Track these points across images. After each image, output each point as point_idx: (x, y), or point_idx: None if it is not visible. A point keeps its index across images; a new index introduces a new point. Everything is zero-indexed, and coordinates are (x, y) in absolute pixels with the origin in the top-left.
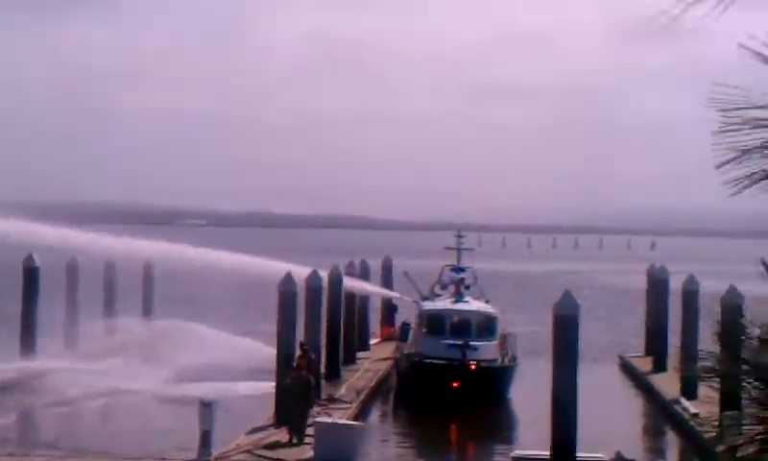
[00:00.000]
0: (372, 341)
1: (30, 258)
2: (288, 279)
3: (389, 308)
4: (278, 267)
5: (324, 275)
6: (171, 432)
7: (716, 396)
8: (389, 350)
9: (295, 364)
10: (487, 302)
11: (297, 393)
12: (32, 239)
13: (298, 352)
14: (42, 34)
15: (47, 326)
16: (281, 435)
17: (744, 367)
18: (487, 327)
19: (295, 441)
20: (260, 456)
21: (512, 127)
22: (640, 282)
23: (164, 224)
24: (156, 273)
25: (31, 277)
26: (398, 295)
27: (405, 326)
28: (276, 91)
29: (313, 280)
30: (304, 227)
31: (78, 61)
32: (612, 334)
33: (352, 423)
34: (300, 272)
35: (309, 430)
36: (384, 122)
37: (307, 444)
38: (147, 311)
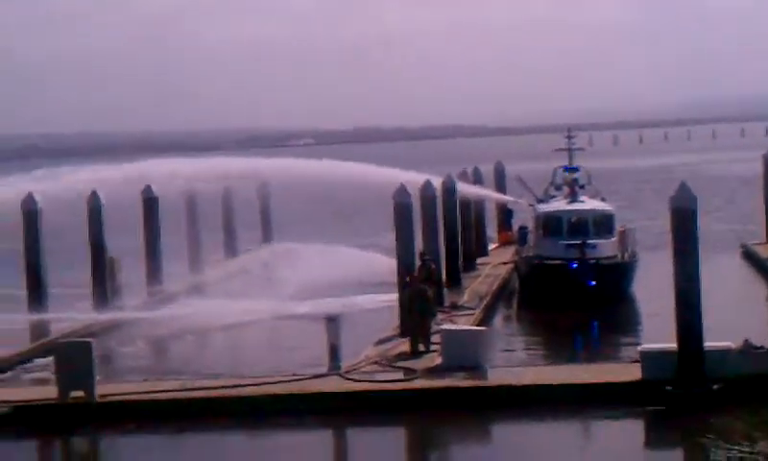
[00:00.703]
0: (491, 246)
1: (148, 189)
2: (402, 190)
3: (505, 213)
4: (393, 174)
5: (437, 184)
6: (300, 349)
7: None
8: (508, 254)
9: (415, 274)
10: (602, 200)
11: (414, 305)
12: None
13: (418, 263)
14: None
15: (170, 254)
16: (408, 345)
17: None
18: (604, 224)
19: (418, 350)
20: (389, 366)
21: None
22: (757, 170)
23: (274, 146)
24: (272, 193)
25: (150, 207)
26: (513, 199)
27: (523, 229)
28: (370, 9)
29: (427, 190)
30: (414, 139)
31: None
32: (731, 223)
33: (477, 328)
34: (414, 180)
35: (435, 338)
36: (484, 30)
37: (434, 351)
38: (266, 233)
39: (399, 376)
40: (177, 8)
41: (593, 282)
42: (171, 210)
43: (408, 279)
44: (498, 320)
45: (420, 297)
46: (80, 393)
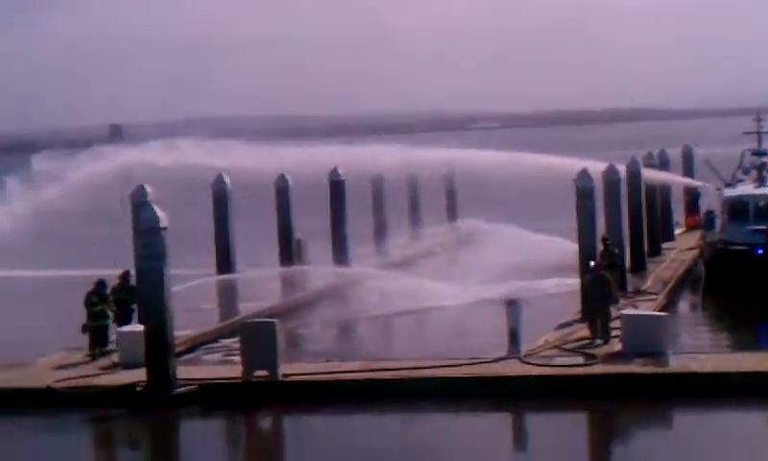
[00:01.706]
0: (677, 231)
1: (335, 172)
2: (583, 174)
3: (693, 197)
4: (574, 165)
5: (621, 168)
6: (481, 332)
7: None
8: (694, 239)
9: (598, 258)
10: None
11: (594, 292)
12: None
13: (600, 247)
14: None
15: (357, 237)
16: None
17: None
18: None
19: (598, 337)
20: (569, 351)
21: None
22: None
23: (459, 129)
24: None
25: (337, 190)
26: (700, 182)
27: (710, 214)
28: None
29: (610, 174)
30: (599, 122)
31: None
32: None
33: (659, 313)
34: (597, 168)
35: (616, 323)
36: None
37: (615, 337)
38: (451, 217)
39: (579, 360)
40: None
41: None
42: (356, 193)
43: (591, 264)
44: (682, 306)
45: (601, 283)
46: (263, 372)
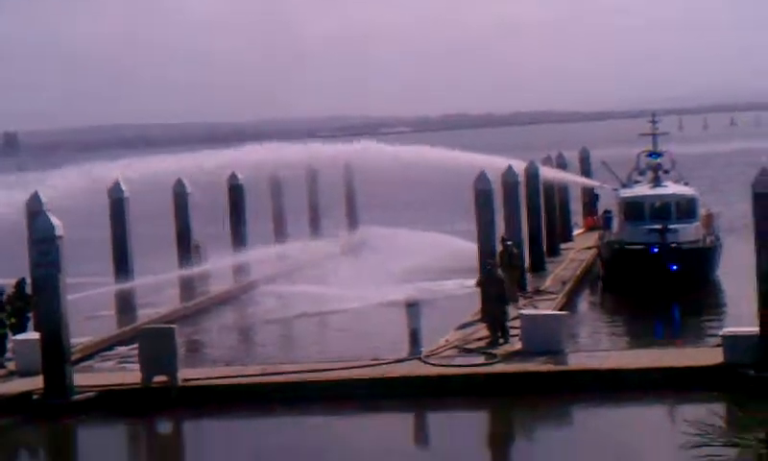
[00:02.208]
0: (576, 231)
1: (234, 176)
2: (482, 176)
3: (590, 198)
4: (476, 159)
5: (520, 169)
6: (381, 334)
7: None
8: (593, 239)
9: (497, 259)
10: (686, 184)
11: (490, 292)
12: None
13: (499, 248)
14: None
15: (257, 240)
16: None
17: None
18: (687, 209)
19: (496, 338)
20: (470, 350)
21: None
22: None
23: (367, 134)
24: (356, 178)
25: (236, 193)
26: (598, 183)
27: (607, 213)
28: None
29: (509, 175)
30: (500, 125)
31: None
32: None
33: (557, 312)
34: (496, 163)
35: (516, 323)
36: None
37: (514, 336)
38: (352, 218)
39: (480, 360)
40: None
41: (675, 267)
42: (254, 196)
43: (488, 264)
44: (581, 305)
45: (496, 282)
46: (163, 377)
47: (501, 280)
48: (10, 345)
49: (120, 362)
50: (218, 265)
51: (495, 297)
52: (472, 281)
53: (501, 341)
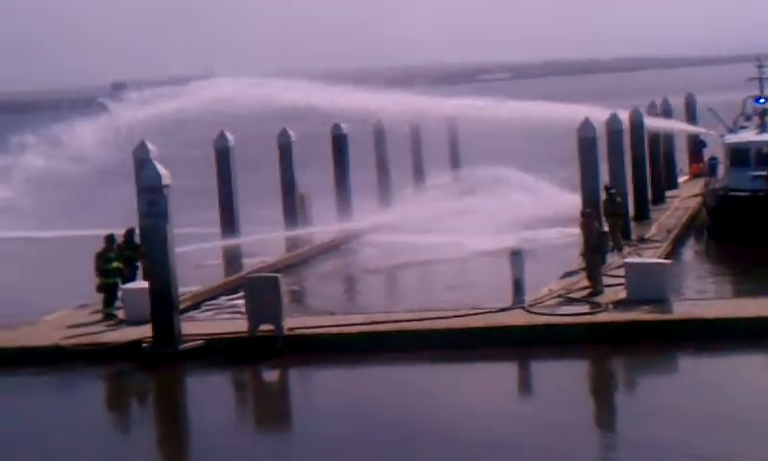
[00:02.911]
0: (681, 179)
1: (337, 126)
2: (586, 123)
3: (696, 145)
4: (580, 111)
5: (624, 117)
6: (485, 283)
7: None
8: (698, 186)
9: (601, 207)
10: None
11: (589, 242)
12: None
13: (603, 196)
14: None
15: (360, 189)
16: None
17: None
18: None
19: (595, 285)
20: (574, 299)
21: None
22: None
23: (467, 82)
24: (460, 130)
25: (340, 143)
26: (703, 130)
27: (713, 161)
28: None
29: (613, 123)
30: (606, 71)
31: None
32: None
33: (662, 261)
34: (600, 115)
35: (621, 271)
36: None
37: (620, 285)
38: (455, 168)
39: (584, 309)
40: None
41: None
42: (360, 146)
43: (582, 213)
44: (686, 253)
45: (591, 232)
46: (268, 326)
47: (595, 231)
48: (120, 294)
49: (231, 311)
50: (323, 214)
51: (591, 245)
52: (575, 230)
53: (597, 284)
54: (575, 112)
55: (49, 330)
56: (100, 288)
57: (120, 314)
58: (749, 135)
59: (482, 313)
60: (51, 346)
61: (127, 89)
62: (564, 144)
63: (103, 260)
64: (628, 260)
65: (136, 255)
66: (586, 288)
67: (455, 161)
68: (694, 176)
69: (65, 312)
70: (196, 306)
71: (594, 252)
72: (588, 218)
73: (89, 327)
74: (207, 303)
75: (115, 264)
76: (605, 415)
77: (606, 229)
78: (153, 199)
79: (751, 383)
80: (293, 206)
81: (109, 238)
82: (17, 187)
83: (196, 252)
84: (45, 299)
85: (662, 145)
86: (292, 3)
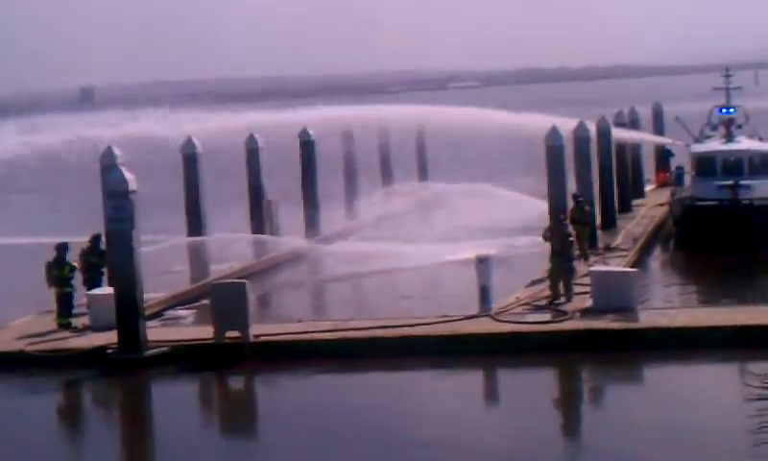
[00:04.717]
0: (648, 188)
1: (305, 133)
2: (554, 132)
3: (663, 154)
4: (544, 121)
5: (591, 126)
6: (452, 291)
7: None
8: (665, 195)
9: (568, 215)
10: (760, 140)
11: (554, 249)
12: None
13: (570, 205)
14: None
15: (328, 197)
16: (561, 288)
17: None
18: (761, 164)
19: (557, 294)
20: (540, 308)
21: None
22: None
23: (436, 89)
24: (427, 138)
25: (308, 150)
26: (669, 140)
27: (679, 170)
28: None
29: (580, 131)
30: (572, 80)
31: None
32: None
33: (628, 269)
34: (567, 124)
35: (586, 280)
36: None
37: (586, 293)
38: (422, 176)
39: (550, 317)
40: None
41: (746, 224)
42: (326, 155)
43: (554, 217)
44: (653, 262)
45: (560, 241)
46: (235, 333)
47: (567, 235)
48: (84, 300)
49: (195, 316)
50: (291, 221)
51: (558, 253)
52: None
53: (563, 298)
54: (542, 121)
55: (13, 336)
56: (57, 297)
57: (83, 321)
58: (715, 145)
59: (449, 321)
60: (15, 352)
61: None
62: (531, 152)
63: (57, 269)
64: (594, 269)
65: (102, 261)
66: (549, 296)
67: (423, 169)
68: (661, 185)
69: (29, 318)
70: (161, 313)
71: (559, 259)
72: (560, 224)
73: (54, 333)
74: (174, 308)
75: (66, 271)
76: (568, 423)
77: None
78: (119, 203)
79: (715, 393)
80: (260, 213)
81: (59, 247)
82: None
83: (160, 254)
84: (10, 305)
85: (629, 154)
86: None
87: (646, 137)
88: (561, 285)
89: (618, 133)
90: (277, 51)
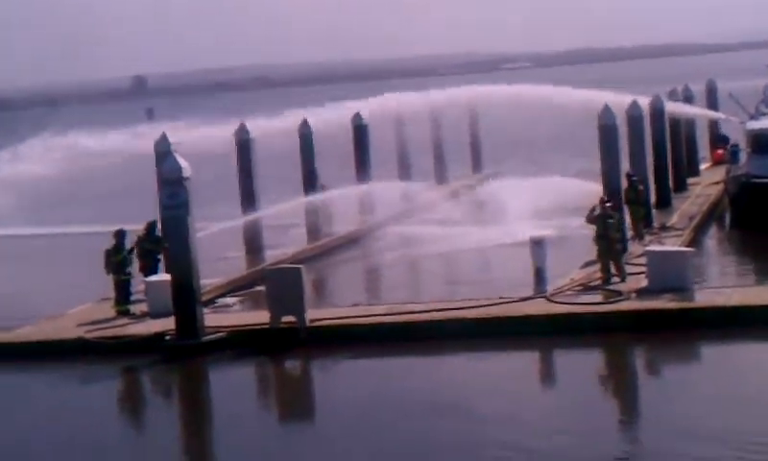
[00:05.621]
0: (703, 166)
1: (358, 116)
2: (606, 111)
3: (718, 131)
4: (599, 96)
5: (645, 104)
6: (507, 272)
7: None
8: (720, 173)
9: (623, 195)
10: None
11: (598, 231)
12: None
13: (624, 184)
14: None
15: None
16: (613, 268)
17: None
18: None
19: (608, 277)
20: (595, 288)
21: None
22: None
23: (489, 71)
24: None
25: (360, 135)
26: (724, 116)
27: (734, 147)
28: None
29: (633, 110)
30: (626, 59)
31: None
32: None
33: (683, 249)
34: (621, 101)
35: (642, 259)
36: None
37: (641, 273)
38: (476, 160)
39: (603, 298)
40: None
41: None
42: (380, 138)
43: (599, 202)
44: (708, 241)
45: (605, 221)
46: (291, 318)
47: (607, 217)
48: (141, 286)
49: (252, 302)
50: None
51: (601, 235)
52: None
53: (617, 279)
54: (595, 98)
55: (72, 324)
56: (115, 285)
57: (141, 308)
58: None
59: (504, 303)
60: (75, 339)
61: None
62: (585, 133)
63: (115, 256)
64: (649, 249)
65: (158, 248)
66: (601, 278)
67: (476, 152)
68: (716, 163)
69: (88, 306)
70: (218, 298)
71: (602, 241)
72: (604, 207)
73: (112, 320)
74: (231, 294)
75: (120, 257)
76: (631, 399)
77: (627, 217)
78: (174, 191)
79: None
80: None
81: (117, 234)
82: None
83: (216, 236)
84: (57, 296)
85: (684, 132)
86: None
87: (699, 112)
88: (612, 266)
89: (673, 108)
90: (331, 36)
